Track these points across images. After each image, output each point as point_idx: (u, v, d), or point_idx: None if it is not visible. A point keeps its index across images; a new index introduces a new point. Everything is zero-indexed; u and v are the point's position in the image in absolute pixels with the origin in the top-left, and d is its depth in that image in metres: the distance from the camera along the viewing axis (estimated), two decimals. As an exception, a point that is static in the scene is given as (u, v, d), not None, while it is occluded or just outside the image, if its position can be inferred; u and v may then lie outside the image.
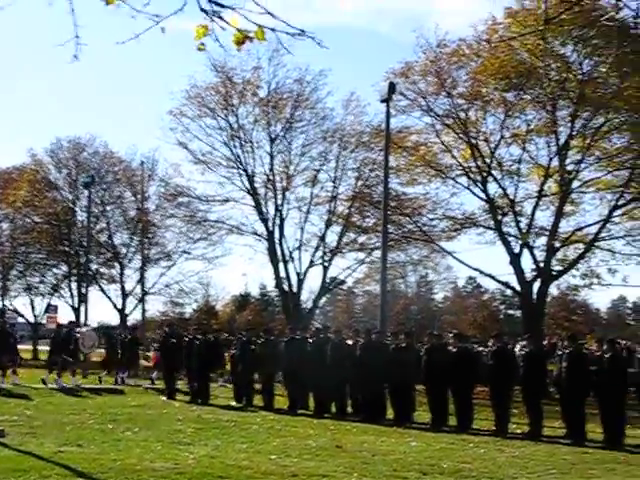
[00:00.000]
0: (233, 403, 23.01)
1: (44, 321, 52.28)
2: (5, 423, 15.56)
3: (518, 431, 18.03)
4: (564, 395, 17.95)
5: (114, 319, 52.47)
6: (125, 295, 50.65)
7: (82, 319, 43.14)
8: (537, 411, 18.01)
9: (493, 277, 34.84)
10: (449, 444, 15.54)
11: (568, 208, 32.74)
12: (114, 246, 51.15)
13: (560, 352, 19.10)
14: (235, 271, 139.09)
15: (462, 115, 32.55)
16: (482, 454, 14.27)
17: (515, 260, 32.43)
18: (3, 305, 53.11)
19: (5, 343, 26.33)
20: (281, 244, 39.67)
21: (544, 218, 33.19)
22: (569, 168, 31.89)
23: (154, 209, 47.88)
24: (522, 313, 35.63)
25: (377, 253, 36.24)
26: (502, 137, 32.62)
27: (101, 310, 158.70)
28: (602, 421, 16.94)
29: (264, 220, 39.59)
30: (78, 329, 29.43)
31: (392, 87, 29.80)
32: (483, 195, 33.23)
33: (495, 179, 32.96)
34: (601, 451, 15.29)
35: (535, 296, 32.44)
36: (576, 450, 15.30)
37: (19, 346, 29.52)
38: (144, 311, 50.71)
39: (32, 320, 54.68)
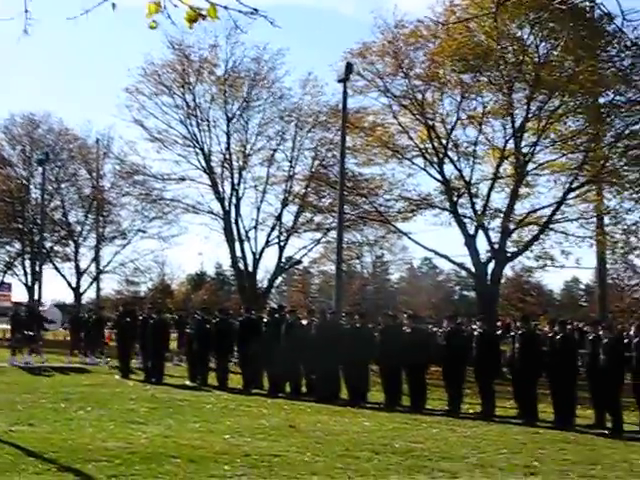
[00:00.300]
0: (187, 382, 22.97)
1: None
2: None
3: (471, 411, 18.19)
4: (516, 375, 18.11)
5: (68, 297, 52.00)
6: (80, 273, 50.24)
7: (36, 297, 42.76)
8: (489, 391, 18.17)
9: (448, 258, 35.05)
10: (402, 424, 15.63)
11: (523, 190, 32.90)
12: (69, 224, 50.68)
13: (513, 333, 19.28)
14: (191, 250, 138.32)
15: (419, 96, 32.52)
16: (434, 434, 14.37)
17: (470, 241, 32.58)
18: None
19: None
20: (237, 223, 39.58)
21: (499, 200, 33.41)
22: (524, 150, 32.02)
23: (109, 187, 47.50)
24: (476, 294, 35.85)
25: (333, 233, 36.31)
26: (458, 119, 32.65)
27: (55, 288, 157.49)
28: (553, 401, 17.13)
29: (220, 199, 39.44)
30: (41, 307, 29.27)
31: (349, 67, 29.74)
32: (439, 176, 33.28)
33: (451, 160, 33.02)
34: (552, 431, 15.47)
35: (489, 277, 32.65)
36: (527, 430, 15.46)
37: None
38: (99, 290, 50.42)
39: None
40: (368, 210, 36.09)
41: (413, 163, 34.12)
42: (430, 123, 32.69)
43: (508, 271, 43.75)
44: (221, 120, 39.19)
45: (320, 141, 38.57)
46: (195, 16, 5.13)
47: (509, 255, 33.24)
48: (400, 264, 66.31)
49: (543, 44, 30.80)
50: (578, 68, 29.50)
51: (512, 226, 32.46)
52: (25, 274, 52.01)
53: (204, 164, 39.29)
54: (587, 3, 25.88)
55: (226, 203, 39.30)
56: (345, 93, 30.16)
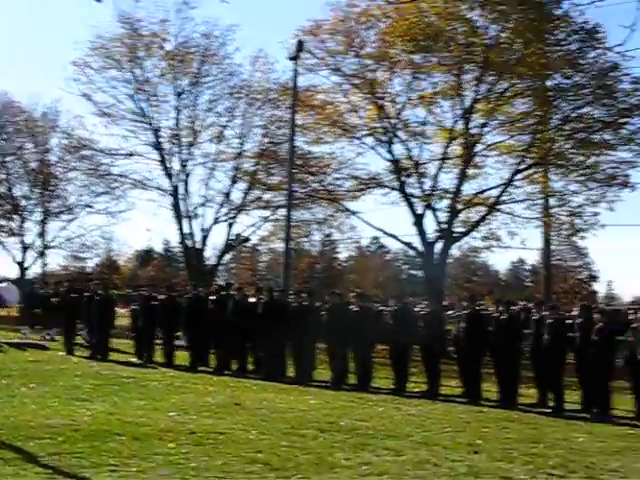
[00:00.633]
0: (133, 359, 22.86)
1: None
2: None
3: (416, 390, 18.35)
4: (461, 355, 18.31)
5: (12, 272, 51.28)
6: (25, 248, 49.60)
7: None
8: (435, 370, 18.36)
9: (396, 237, 35.18)
10: (348, 402, 15.73)
11: (471, 171, 33.07)
12: (14, 198, 49.87)
13: (459, 312, 19.47)
14: (138, 226, 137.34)
15: (369, 75, 32.53)
16: (380, 412, 14.48)
17: (418, 221, 32.74)
18: None
19: None
20: (185, 200, 39.34)
21: (447, 180, 33.49)
22: (473, 131, 32.22)
23: (56, 161, 46.75)
24: (424, 274, 36.06)
25: (282, 211, 36.16)
26: (408, 99, 32.74)
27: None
28: (497, 380, 17.35)
29: (169, 175, 39.14)
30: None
31: (300, 45, 29.65)
32: (388, 156, 33.38)
33: (400, 140, 33.13)
34: (495, 410, 15.68)
35: (437, 257, 32.88)
36: (471, 409, 15.67)
37: None
38: (44, 265, 49.85)
39: None
40: (317, 188, 36.07)
41: (363, 142, 34.16)
42: (380, 102, 32.74)
43: (455, 251, 44.07)
44: (170, 96, 38.85)
45: (270, 118, 38.41)
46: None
47: (456, 235, 33.45)
48: (348, 243, 66.29)
49: (493, 26, 30.98)
50: (527, 51, 29.73)
51: (460, 206, 32.68)
52: (-31, 249, 51.22)
53: (153, 139, 38.97)
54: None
55: (175, 179, 39.03)
56: (296, 71, 30.07)
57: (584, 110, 31.47)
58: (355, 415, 13.83)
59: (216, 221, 39.66)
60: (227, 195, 39.38)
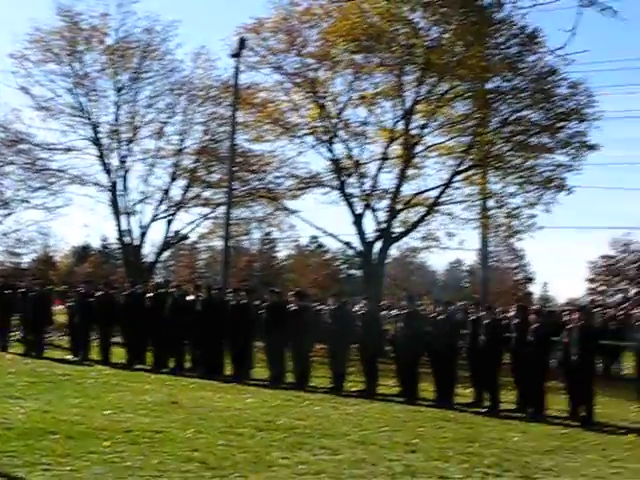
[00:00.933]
0: (69, 356, 22.59)
1: None
2: None
3: (353, 389, 18.37)
4: (399, 354, 18.40)
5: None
6: (-41, 243, 48.73)
7: None
8: (373, 370, 18.42)
9: (335, 237, 35.26)
10: (285, 401, 15.72)
11: (411, 172, 33.27)
12: (-53, 192, 48.98)
13: (397, 312, 19.57)
14: (76, 222, 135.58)
15: (311, 74, 32.55)
16: (317, 411, 14.49)
17: (358, 221, 32.83)
18: None
19: None
20: (124, 196, 38.94)
21: (387, 181, 33.65)
22: (413, 132, 32.41)
23: (-8, 155, 45.98)
24: (363, 273, 36.16)
25: (222, 209, 36.04)
26: (350, 98, 32.84)
27: None
28: (434, 380, 17.46)
29: (107, 171, 38.66)
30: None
31: (242, 43, 29.63)
32: (329, 155, 33.42)
33: (341, 140, 33.21)
34: (432, 409, 15.79)
35: (376, 257, 33.00)
36: (408, 408, 15.75)
37: None
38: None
39: None
40: (257, 187, 35.97)
41: (303, 141, 34.17)
42: (321, 102, 32.78)
43: (394, 251, 44.20)
44: (110, 91, 38.35)
45: (211, 116, 38.15)
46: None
47: (395, 235, 33.63)
48: (288, 242, 66.28)
49: (434, 28, 31.19)
50: (467, 53, 29.98)
51: (399, 207, 32.85)
52: None
53: (92, 135, 38.50)
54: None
55: (113, 175, 38.59)
56: (237, 68, 30.08)
57: (523, 113, 31.88)
58: (292, 414, 13.83)
59: (155, 218, 39.32)
60: (166, 192, 39.05)
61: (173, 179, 38.85)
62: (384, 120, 33.33)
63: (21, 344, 24.16)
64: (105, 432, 10.92)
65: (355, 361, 19.56)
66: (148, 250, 42.40)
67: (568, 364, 15.54)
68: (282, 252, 76.99)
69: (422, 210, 33.30)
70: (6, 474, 8.53)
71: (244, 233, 44.53)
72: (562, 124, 31.41)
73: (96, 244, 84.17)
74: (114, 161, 38.66)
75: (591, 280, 78.77)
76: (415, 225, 33.34)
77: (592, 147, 31.71)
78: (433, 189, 33.23)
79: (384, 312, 24.45)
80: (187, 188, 38.83)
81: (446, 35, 30.81)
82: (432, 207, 33.01)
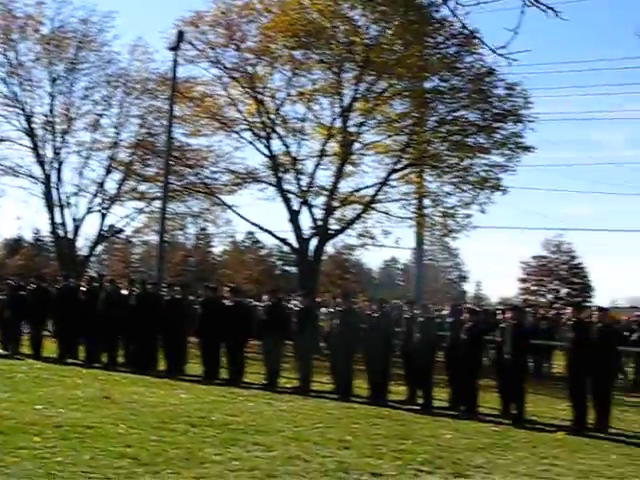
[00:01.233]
0: (-1, 350, 22.26)
1: None
2: None
3: (287, 385, 18.35)
4: (333, 351, 18.43)
5: None
6: None
7: None
8: (307, 366, 18.41)
9: (272, 233, 35.17)
10: (219, 397, 15.64)
11: (348, 169, 33.39)
12: None
13: (332, 309, 19.60)
14: (8, 214, 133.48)
15: (250, 70, 32.46)
16: (251, 407, 14.44)
17: (294, 217, 32.83)
18: None
19: None
20: (58, 189, 38.43)
21: (324, 178, 33.72)
22: (351, 130, 32.49)
23: None
24: (298, 270, 36.16)
25: (157, 203, 35.79)
26: (288, 95, 32.85)
27: None
28: (368, 377, 17.50)
29: (41, 163, 38.15)
30: None
31: (181, 36, 29.42)
32: (266, 151, 33.38)
33: (279, 136, 33.17)
34: (366, 406, 15.81)
35: (312, 254, 33.02)
36: (342, 405, 15.75)
37: None
38: None
39: None
40: (194, 181, 35.80)
41: (241, 136, 34.08)
42: (260, 97, 32.69)
43: (329, 248, 44.33)
44: (45, 81, 37.84)
45: (148, 109, 37.84)
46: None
47: (332, 232, 33.69)
48: (223, 237, 65.99)
49: (374, 26, 31.30)
50: (406, 52, 30.15)
51: (336, 204, 32.91)
52: None
53: (25, 126, 37.92)
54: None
55: (47, 167, 38.07)
56: (175, 61, 29.83)
57: (460, 113, 32.18)
58: (226, 410, 13.75)
59: (89, 211, 38.90)
60: (101, 185, 38.65)
61: (108, 172, 38.47)
62: (322, 117, 33.45)
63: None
64: (35, 427, 10.75)
65: (289, 357, 19.56)
66: (82, 243, 41.83)
67: (501, 363, 15.68)
68: (217, 247, 76.76)
69: (359, 208, 33.41)
70: None
71: (179, 228, 44.19)
72: (498, 125, 31.76)
73: (28, 237, 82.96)
74: (48, 153, 38.19)
75: (523, 280, 79.78)
76: (351, 222, 33.44)
77: (527, 148, 32.14)
78: (370, 187, 33.40)
79: (319, 309, 24.47)
80: (122, 181, 38.48)
81: (386, 33, 30.91)
82: (369, 205, 33.13)
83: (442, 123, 32.27)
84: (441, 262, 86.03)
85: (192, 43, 32.19)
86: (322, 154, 32.93)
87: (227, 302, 19.70)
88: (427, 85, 32.69)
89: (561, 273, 76.43)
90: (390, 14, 30.10)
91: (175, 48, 29.69)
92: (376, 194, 33.08)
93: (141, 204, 39.41)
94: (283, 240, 35.28)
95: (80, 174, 38.69)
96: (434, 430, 13.08)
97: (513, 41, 4.37)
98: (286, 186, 33.22)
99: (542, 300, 68.05)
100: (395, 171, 32.93)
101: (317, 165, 33.04)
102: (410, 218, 34.34)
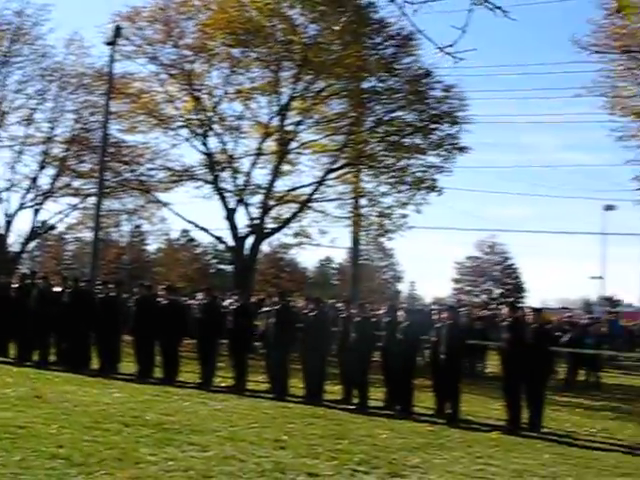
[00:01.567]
0: None
1: None
2: None
3: (223, 385, 18.26)
4: (269, 350, 18.38)
5: None
6: None
7: None
8: (242, 365, 18.34)
9: (207, 231, 35.00)
10: (153, 396, 15.49)
11: (285, 168, 33.40)
12: None
13: (268, 308, 19.55)
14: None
15: (187, 67, 32.27)
16: (186, 407, 14.32)
17: (230, 216, 32.71)
18: None
19: None
20: (-10, 184, 37.77)
21: (261, 176, 33.66)
22: (288, 129, 32.49)
23: None
24: (234, 268, 36.04)
25: (92, 199, 35.38)
26: (226, 92, 32.72)
27: None
28: (304, 377, 17.48)
29: (-28, 157, 37.54)
30: None
31: (118, 31, 29.12)
32: (203, 149, 33.21)
33: (216, 134, 33.03)
34: (301, 405, 15.78)
35: (247, 252, 32.93)
36: (278, 404, 15.70)
37: None
38: None
39: None
40: (129, 178, 35.47)
41: (178, 134, 33.85)
42: (197, 94, 32.54)
43: (265, 247, 44.29)
44: (-23, 74, 37.22)
45: (83, 104, 37.36)
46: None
47: (268, 231, 33.66)
48: (158, 235, 65.55)
49: (313, 25, 31.34)
50: (344, 52, 30.23)
51: (272, 203, 32.88)
52: None
53: (-44, 119, 37.26)
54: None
55: (-22, 162, 37.45)
56: (112, 57, 29.50)
57: (397, 114, 32.45)
58: (160, 409, 13.62)
59: (21, 207, 38.27)
60: (34, 180, 38.05)
61: (42, 167, 37.89)
62: (260, 115, 33.41)
63: None
64: (-37, 428, 10.54)
65: (224, 356, 19.47)
66: (13, 240, 41.21)
67: (436, 362, 15.78)
68: (152, 245, 76.18)
69: (295, 207, 33.44)
70: None
71: (114, 225, 43.77)
72: (435, 126, 32.10)
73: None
74: (-21, 147, 37.44)
75: (457, 280, 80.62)
76: (288, 221, 33.45)
77: (462, 149, 32.49)
78: (306, 186, 33.47)
79: (255, 308, 24.40)
80: (56, 177, 37.93)
81: (324, 33, 30.95)
82: (305, 204, 33.17)
83: (379, 123, 32.47)
84: (376, 262, 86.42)
85: (129, 39, 31.90)
86: (259, 152, 32.88)
87: (162, 300, 19.53)
88: (365, 85, 32.88)
89: (494, 274, 77.44)
90: (329, 14, 30.16)
91: (112, 43, 29.39)
92: (313, 193, 33.15)
93: (75, 200, 38.91)
94: (219, 238, 35.14)
95: (12, 169, 38.07)
96: (370, 430, 13.10)
97: (460, 40, 4.36)
98: (223, 184, 33.12)
99: (476, 300, 68.85)
100: (332, 170, 33.02)
101: (254, 163, 32.99)
102: (346, 218, 34.48)
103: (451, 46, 4.24)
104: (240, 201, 32.78)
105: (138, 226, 56.06)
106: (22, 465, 8.78)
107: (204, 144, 33.05)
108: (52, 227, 43.03)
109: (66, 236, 68.87)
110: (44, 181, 38.19)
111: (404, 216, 33.30)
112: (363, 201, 34.26)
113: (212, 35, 31.20)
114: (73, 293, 20.45)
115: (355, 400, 16.55)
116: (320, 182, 33.03)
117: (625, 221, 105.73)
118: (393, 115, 32.40)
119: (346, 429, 13.05)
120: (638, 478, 11.10)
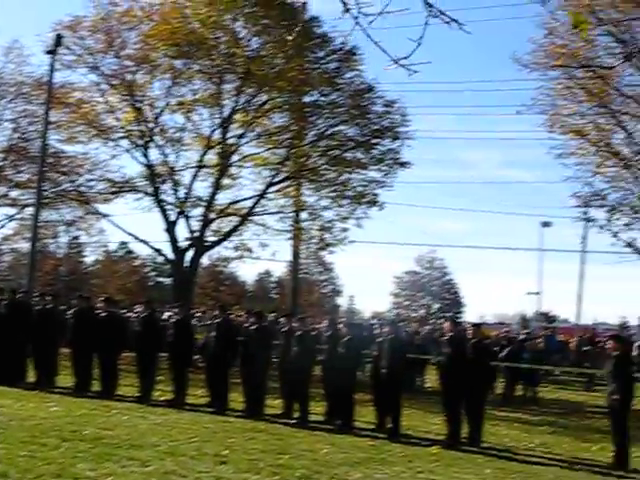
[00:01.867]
0: None
1: None
2: None
3: (162, 398, 18.09)
4: (209, 364, 18.25)
5: None
6: None
7: None
8: (182, 379, 18.18)
9: (147, 243, 34.71)
10: (91, 410, 15.29)
11: (226, 181, 33.28)
12: None
13: (209, 322, 19.43)
14: None
15: (129, 77, 32.04)
16: (125, 421, 14.16)
17: (170, 228, 32.51)
18: None
19: None
20: None
21: (202, 189, 33.52)
22: (230, 141, 32.41)
23: None
24: (173, 281, 35.82)
25: (29, 210, 34.90)
26: (167, 104, 32.54)
27: None
28: (244, 391, 17.38)
29: None
30: None
31: (59, 40, 28.83)
32: (144, 160, 32.98)
33: (157, 145, 32.82)
34: (242, 420, 15.69)
35: (187, 265, 32.74)
36: (218, 418, 15.61)
37: None
38: None
39: None
40: (68, 189, 35.06)
41: (118, 144, 33.55)
42: (138, 105, 32.31)
43: (205, 260, 44.08)
44: None
45: (21, 113, 36.90)
46: None
47: (208, 244, 33.51)
48: (96, 247, 64.94)
49: (256, 38, 31.36)
50: (287, 66, 30.26)
51: (213, 215, 32.76)
52: None
53: None
54: (300, 2, 26.72)
55: None
56: (52, 66, 29.18)
57: (339, 128, 32.57)
58: (99, 424, 13.44)
59: (-44, 218, 37.67)
60: (-30, 190, 37.46)
61: (-22, 177, 37.28)
62: (201, 128, 33.27)
63: None
64: None
65: (164, 370, 19.30)
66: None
67: (377, 376, 15.80)
68: (90, 257, 75.29)
69: (236, 220, 33.34)
70: None
71: (51, 236, 43.18)
72: (376, 141, 32.28)
73: None
74: None
75: (396, 295, 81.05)
76: (228, 234, 33.34)
77: (404, 164, 32.71)
78: (247, 199, 33.41)
79: (194, 321, 24.26)
80: (-7, 187, 37.35)
81: (267, 46, 30.98)
82: (246, 217, 33.11)
83: (321, 137, 32.56)
84: (315, 276, 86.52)
85: (70, 48, 31.57)
86: (200, 165, 32.74)
87: (100, 313, 19.30)
88: (307, 99, 32.94)
89: (433, 289, 78.06)
90: (273, 27, 30.19)
91: (52, 52, 29.07)
92: (254, 206, 33.11)
93: (12, 211, 38.35)
94: (158, 251, 34.89)
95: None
96: (311, 444, 13.06)
97: (413, 54, 4.37)
98: (163, 196, 32.93)
99: (414, 315, 69.30)
100: (273, 184, 33.02)
101: (195, 176, 32.85)
102: (287, 231, 34.45)
103: (406, 58, 4.24)
104: (181, 213, 32.61)
105: (76, 237, 55.32)
106: (-43, 481, 8.60)
107: (145, 155, 32.87)
108: (-13, 238, 42.31)
109: (2, 247, 67.72)
110: (-20, 191, 37.61)
111: (345, 230, 33.41)
112: (304, 215, 34.30)
113: (154, 46, 31.03)
114: (10, 305, 20.10)
115: (296, 414, 16.49)
116: (261, 195, 33.01)
117: (563, 237, 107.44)
118: (335, 129, 32.51)
119: (287, 444, 12.99)
120: (577, 492, 11.23)
